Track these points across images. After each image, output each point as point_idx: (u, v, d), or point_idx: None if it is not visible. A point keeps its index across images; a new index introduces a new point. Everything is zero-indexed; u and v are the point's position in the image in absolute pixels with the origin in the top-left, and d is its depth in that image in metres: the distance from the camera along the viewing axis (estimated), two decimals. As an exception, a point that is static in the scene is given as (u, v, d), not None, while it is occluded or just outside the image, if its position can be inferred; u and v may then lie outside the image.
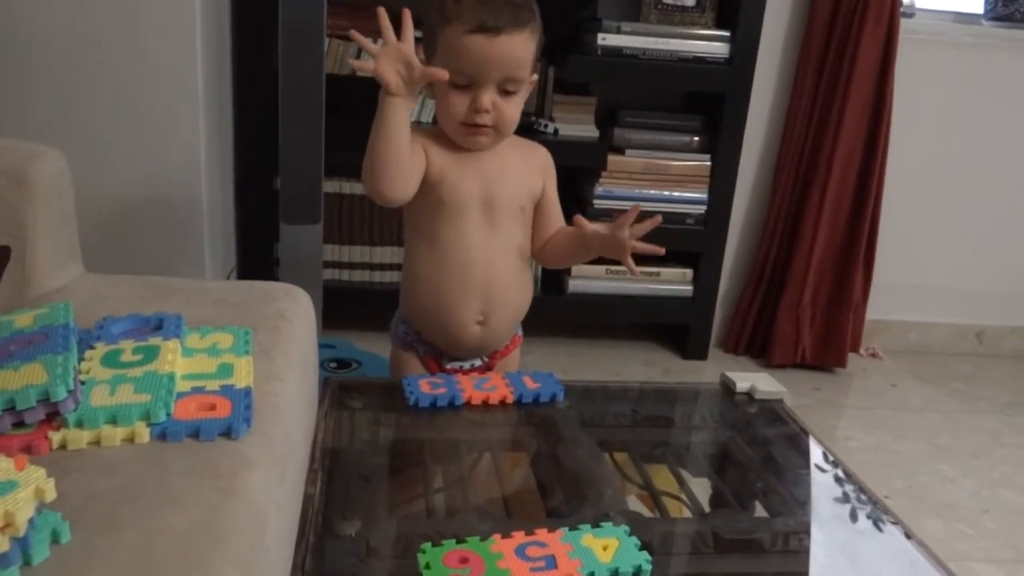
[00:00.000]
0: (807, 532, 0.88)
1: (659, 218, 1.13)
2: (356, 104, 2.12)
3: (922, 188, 2.37)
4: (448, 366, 1.23)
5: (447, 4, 1.07)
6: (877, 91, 2.14)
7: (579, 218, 1.12)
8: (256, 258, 2.03)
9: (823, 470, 1.02)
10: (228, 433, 0.66)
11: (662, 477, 1.03)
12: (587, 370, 2.14)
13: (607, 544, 0.77)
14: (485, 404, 1.05)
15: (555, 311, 2.17)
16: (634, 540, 0.78)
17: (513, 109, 1.11)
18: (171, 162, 1.67)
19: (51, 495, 0.52)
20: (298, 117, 1.74)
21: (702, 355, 2.27)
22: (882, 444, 1.96)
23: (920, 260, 2.45)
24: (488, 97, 1.08)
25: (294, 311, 0.94)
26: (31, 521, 0.50)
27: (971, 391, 2.29)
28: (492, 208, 1.15)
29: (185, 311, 0.88)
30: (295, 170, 1.77)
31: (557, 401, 1.07)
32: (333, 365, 1.52)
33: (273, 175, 1.91)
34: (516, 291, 1.19)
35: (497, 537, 0.76)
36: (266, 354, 0.81)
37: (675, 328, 2.32)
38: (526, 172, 1.19)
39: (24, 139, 0.96)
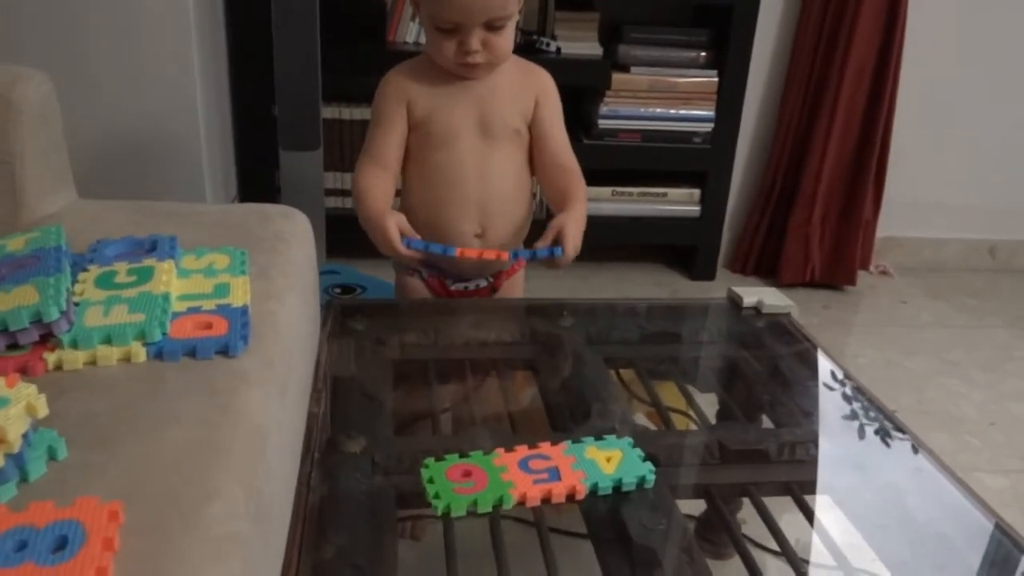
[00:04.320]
0: (814, 442, 0.88)
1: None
2: (353, 28, 2.07)
3: (934, 101, 2.30)
4: (452, 287, 1.22)
5: None
6: (891, 1, 2.07)
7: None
8: (258, 186, 2.01)
9: (830, 383, 1.01)
10: (225, 351, 0.65)
11: (669, 393, 1.03)
12: (594, 293, 2.13)
13: (611, 456, 0.77)
14: (483, 305, 1.05)
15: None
16: (638, 452, 0.78)
17: (504, 40, 1.09)
18: (165, 91, 1.63)
19: (43, 411, 0.52)
20: (292, 41, 1.69)
21: (710, 276, 2.26)
22: (891, 360, 1.96)
23: (932, 175, 2.40)
24: (476, 39, 1.06)
25: (292, 232, 0.92)
26: (26, 437, 0.50)
27: (982, 306, 2.27)
28: (486, 130, 1.14)
29: (181, 234, 0.86)
30: (292, 96, 1.73)
31: (556, 256, 1.07)
32: (337, 291, 1.51)
33: (272, 102, 1.87)
34: (514, 206, 1.18)
35: (500, 451, 0.76)
36: (264, 275, 0.80)
37: (682, 249, 2.30)
38: (520, 94, 1.16)
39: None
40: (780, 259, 2.25)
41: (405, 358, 1.02)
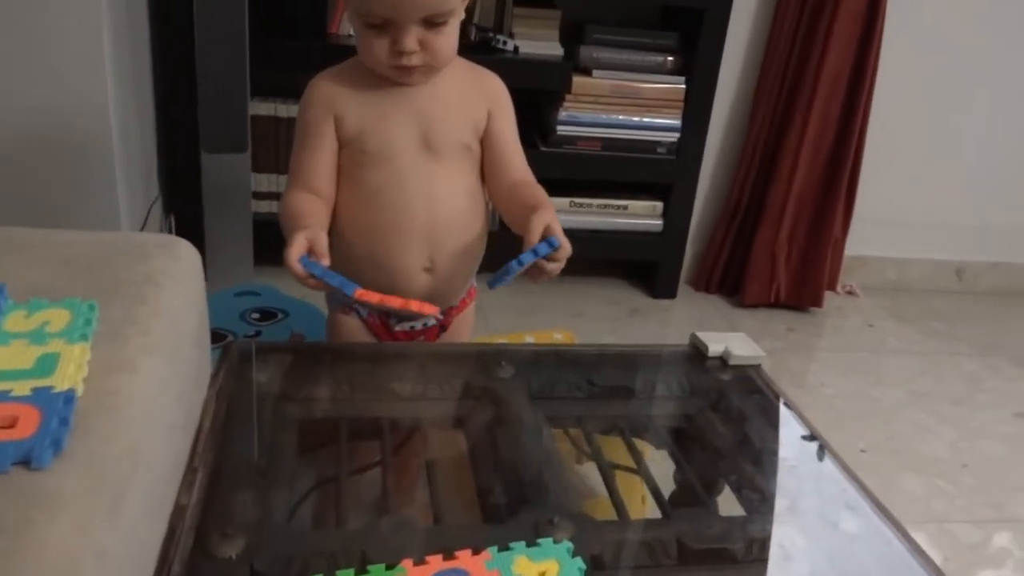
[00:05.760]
0: (785, 535, 0.75)
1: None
2: (292, 18, 1.89)
3: (904, 117, 2.20)
4: (397, 328, 1.06)
5: None
6: (869, 9, 1.95)
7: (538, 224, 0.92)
8: (182, 188, 1.82)
9: (805, 457, 0.88)
10: (28, 461, 0.49)
11: (621, 453, 0.89)
12: (548, 310, 1.98)
13: (544, 570, 0.62)
14: (411, 351, 0.87)
15: (514, 247, 1.99)
16: (577, 563, 0.63)
17: (445, 40, 0.93)
18: (70, 84, 1.43)
19: None
20: (216, 32, 1.51)
21: (671, 293, 2.14)
22: (858, 390, 1.85)
23: (900, 193, 2.30)
24: (411, 38, 0.91)
25: (170, 272, 0.76)
26: None
27: (950, 331, 2.18)
28: (430, 146, 0.98)
29: (24, 274, 0.70)
30: (216, 93, 1.56)
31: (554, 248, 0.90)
32: (256, 316, 1.34)
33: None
34: (467, 234, 1.01)
35: (408, 564, 0.61)
36: (115, 335, 0.63)
37: (643, 265, 2.17)
38: (468, 103, 1.00)
39: None
40: (744, 278, 2.13)
41: (312, 417, 0.86)
